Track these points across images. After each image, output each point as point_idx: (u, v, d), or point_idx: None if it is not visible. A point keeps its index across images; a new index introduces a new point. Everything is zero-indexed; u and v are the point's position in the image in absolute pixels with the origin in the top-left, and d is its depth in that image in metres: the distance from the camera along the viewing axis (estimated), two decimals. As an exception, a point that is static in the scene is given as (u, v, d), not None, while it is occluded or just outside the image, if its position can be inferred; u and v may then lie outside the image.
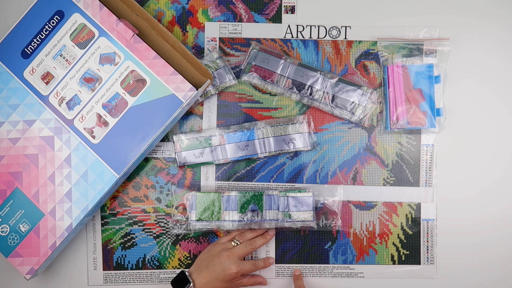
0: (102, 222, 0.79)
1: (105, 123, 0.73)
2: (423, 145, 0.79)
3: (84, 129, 0.73)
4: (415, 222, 0.79)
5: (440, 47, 0.77)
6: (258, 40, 0.79)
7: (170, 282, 0.74)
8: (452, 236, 0.79)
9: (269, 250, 0.79)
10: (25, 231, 0.72)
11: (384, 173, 0.79)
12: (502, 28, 0.79)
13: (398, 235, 0.79)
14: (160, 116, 0.72)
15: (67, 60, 0.73)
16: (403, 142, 0.79)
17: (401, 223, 0.79)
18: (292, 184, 0.79)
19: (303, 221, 0.76)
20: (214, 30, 0.79)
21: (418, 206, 0.79)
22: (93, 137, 0.73)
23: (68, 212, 0.72)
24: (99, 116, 0.73)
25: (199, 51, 0.79)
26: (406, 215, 0.79)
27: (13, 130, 0.73)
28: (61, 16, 0.73)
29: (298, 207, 0.76)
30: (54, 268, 0.79)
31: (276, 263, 0.79)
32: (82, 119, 0.73)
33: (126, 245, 0.79)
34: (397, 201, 0.79)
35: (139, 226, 0.79)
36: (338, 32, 0.79)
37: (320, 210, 0.78)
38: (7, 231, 0.73)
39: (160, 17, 0.79)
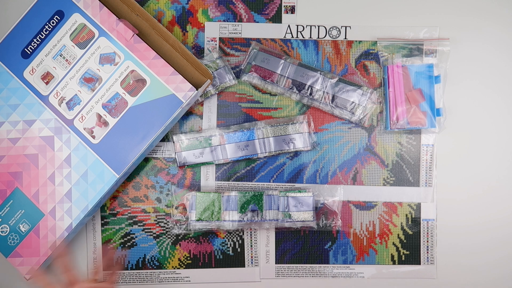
0: (102, 222, 0.79)
1: (105, 123, 0.73)
2: (423, 145, 0.79)
3: (84, 129, 0.73)
4: (415, 222, 0.79)
5: (440, 47, 0.77)
6: (258, 40, 0.79)
7: None
8: (452, 236, 0.79)
9: (269, 250, 0.79)
10: (25, 231, 0.72)
11: (384, 173, 0.79)
12: (502, 28, 0.79)
13: (398, 235, 0.79)
14: (160, 116, 0.72)
15: (67, 60, 0.73)
16: (403, 142, 0.79)
17: (401, 223, 0.79)
18: (292, 184, 0.79)
19: (303, 221, 0.76)
20: (214, 30, 0.79)
21: (418, 206, 0.79)
22: (93, 137, 0.73)
23: (68, 212, 0.72)
24: (99, 116, 0.73)
25: (199, 51, 0.79)
26: (406, 215, 0.79)
27: (13, 130, 0.73)
28: (61, 16, 0.73)
29: (298, 207, 0.76)
30: (54, 268, 0.79)
31: (276, 263, 0.79)
32: (82, 119, 0.73)
33: (126, 245, 0.79)
34: (397, 201, 0.79)
35: (139, 226, 0.79)
36: (338, 32, 0.79)
37: (320, 210, 0.78)
38: (7, 231, 0.73)
39: (160, 17, 0.79)
